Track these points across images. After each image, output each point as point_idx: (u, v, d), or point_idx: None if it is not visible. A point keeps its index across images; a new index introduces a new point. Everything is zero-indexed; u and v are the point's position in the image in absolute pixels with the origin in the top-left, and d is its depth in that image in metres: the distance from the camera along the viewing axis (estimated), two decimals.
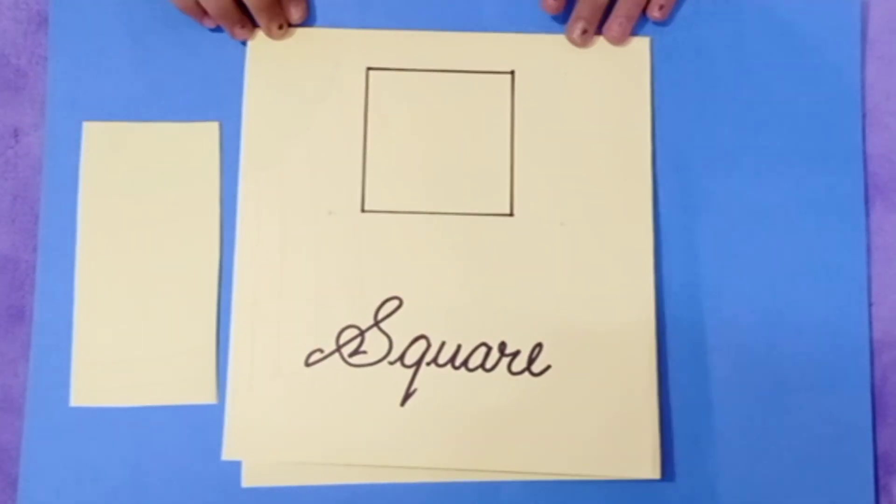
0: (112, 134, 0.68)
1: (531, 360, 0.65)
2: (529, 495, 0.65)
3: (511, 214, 0.67)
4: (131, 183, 0.68)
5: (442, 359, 0.65)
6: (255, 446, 0.65)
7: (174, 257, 0.67)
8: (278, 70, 0.68)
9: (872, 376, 0.66)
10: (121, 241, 0.67)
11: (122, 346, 0.66)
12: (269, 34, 0.68)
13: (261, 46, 0.69)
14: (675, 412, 0.66)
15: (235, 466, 0.65)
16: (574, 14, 0.68)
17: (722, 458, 0.65)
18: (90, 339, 0.66)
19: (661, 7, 0.68)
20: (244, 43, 0.68)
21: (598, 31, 0.69)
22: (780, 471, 0.65)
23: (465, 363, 0.65)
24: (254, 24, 0.68)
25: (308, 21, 0.69)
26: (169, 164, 0.68)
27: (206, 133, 0.68)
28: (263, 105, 0.68)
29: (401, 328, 0.65)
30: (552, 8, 0.68)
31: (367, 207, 0.67)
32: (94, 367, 0.66)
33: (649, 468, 0.64)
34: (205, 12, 0.66)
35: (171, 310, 0.66)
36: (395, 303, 0.66)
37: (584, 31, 0.68)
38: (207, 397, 0.66)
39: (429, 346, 0.65)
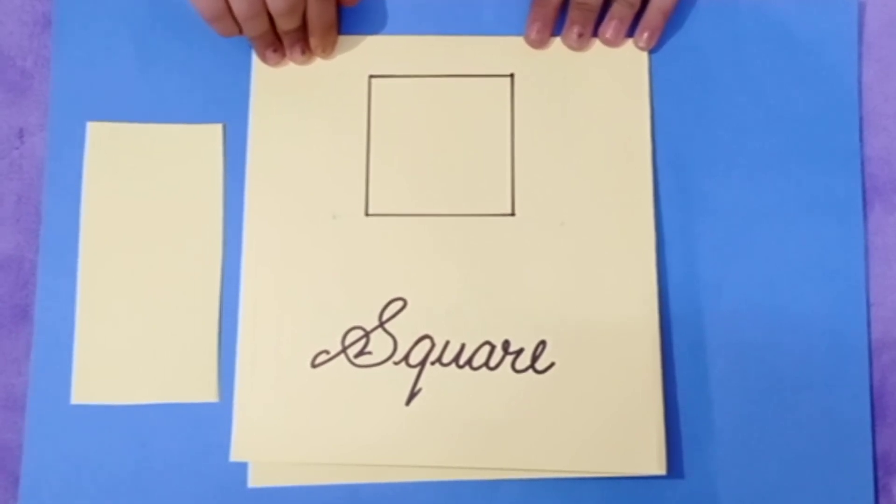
0: (116, 135, 0.68)
1: (535, 358, 0.65)
2: (535, 492, 0.65)
3: (513, 214, 0.67)
4: (134, 183, 0.68)
5: (446, 358, 0.65)
6: (263, 447, 0.65)
7: (176, 258, 0.67)
8: (283, 76, 0.69)
9: (872, 376, 0.67)
10: (123, 240, 0.67)
11: (123, 345, 0.66)
12: (292, 58, 0.69)
13: None
14: (677, 410, 0.66)
15: (240, 466, 0.65)
16: (568, 20, 0.69)
17: (722, 457, 0.66)
18: (92, 338, 0.66)
19: (647, 38, 0.69)
20: (249, 49, 0.69)
21: (596, 34, 0.69)
22: (780, 470, 0.66)
23: (469, 362, 0.65)
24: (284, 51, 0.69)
25: None
26: (172, 165, 0.68)
27: (210, 135, 0.68)
28: (269, 111, 0.69)
29: (405, 328, 0.66)
30: (535, 42, 0.69)
31: (371, 211, 0.67)
32: (95, 366, 0.66)
33: (655, 464, 0.64)
34: (241, 31, 0.66)
35: (173, 309, 0.67)
36: (399, 304, 0.66)
37: (580, 35, 0.68)
38: (209, 396, 0.66)
39: (433, 345, 0.66)
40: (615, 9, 0.68)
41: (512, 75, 0.69)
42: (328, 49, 0.68)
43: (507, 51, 0.69)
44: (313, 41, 0.68)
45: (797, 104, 0.69)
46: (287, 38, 0.67)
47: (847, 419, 0.66)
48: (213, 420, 0.66)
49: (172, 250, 0.67)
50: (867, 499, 0.66)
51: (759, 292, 0.67)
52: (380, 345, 0.66)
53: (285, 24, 0.65)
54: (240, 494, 0.65)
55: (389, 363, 0.66)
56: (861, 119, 0.69)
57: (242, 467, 0.65)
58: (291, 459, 0.65)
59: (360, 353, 0.66)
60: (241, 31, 0.65)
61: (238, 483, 0.65)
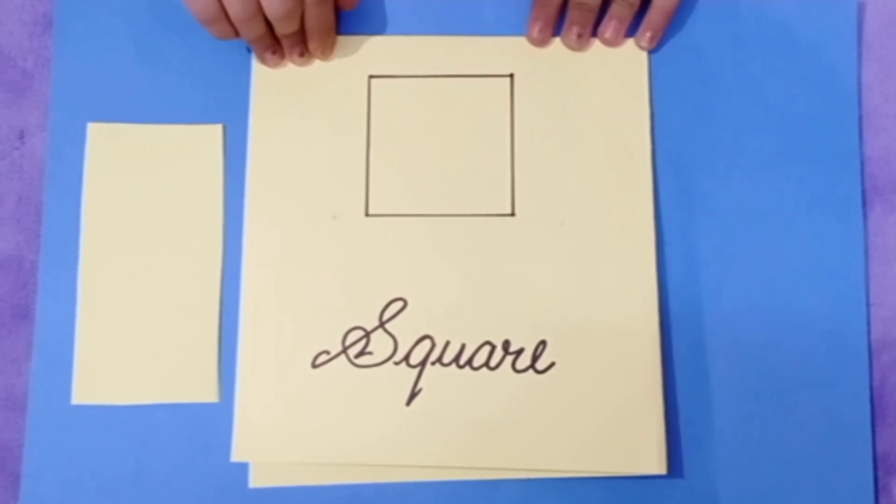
0: (116, 135, 0.68)
1: (535, 358, 0.65)
2: (535, 492, 0.65)
3: (513, 214, 0.67)
4: (135, 184, 0.68)
5: (446, 358, 0.65)
6: (264, 448, 0.65)
7: (176, 258, 0.67)
8: (283, 77, 0.69)
9: (872, 376, 0.67)
10: (124, 241, 0.67)
11: (123, 345, 0.66)
12: (291, 60, 0.69)
13: None
14: (677, 410, 0.66)
15: (241, 466, 0.65)
16: (567, 20, 0.69)
17: (722, 456, 0.66)
18: (92, 338, 0.66)
19: (649, 38, 0.69)
20: (248, 50, 0.69)
21: (595, 34, 0.70)
22: (780, 470, 0.66)
23: (469, 362, 0.65)
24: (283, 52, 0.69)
25: None
26: (172, 165, 0.68)
27: (210, 135, 0.68)
28: (269, 111, 0.69)
29: (406, 329, 0.66)
30: (537, 41, 0.69)
31: (371, 211, 0.67)
32: (95, 366, 0.66)
33: (655, 464, 0.64)
34: (237, 34, 0.66)
35: (173, 309, 0.67)
36: (399, 304, 0.66)
37: (580, 35, 0.68)
38: (209, 396, 0.66)
39: (433, 345, 0.66)
40: (614, 9, 0.68)
41: (511, 75, 0.69)
42: (327, 52, 0.68)
43: (507, 51, 0.69)
44: (312, 44, 0.68)
45: (797, 104, 0.69)
46: (286, 42, 0.67)
47: (847, 419, 0.66)
48: (214, 420, 0.66)
49: (173, 250, 0.67)
50: (867, 499, 0.66)
51: (759, 292, 0.67)
52: (380, 345, 0.66)
53: (283, 28, 0.65)
54: (241, 495, 0.65)
55: (390, 363, 0.66)
56: (861, 119, 0.69)
57: (243, 467, 0.65)
58: (292, 460, 0.65)
59: (361, 354, 0.66)
60: (237, 34, 0.65)
61: (238, 483, 0.65)
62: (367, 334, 0.66)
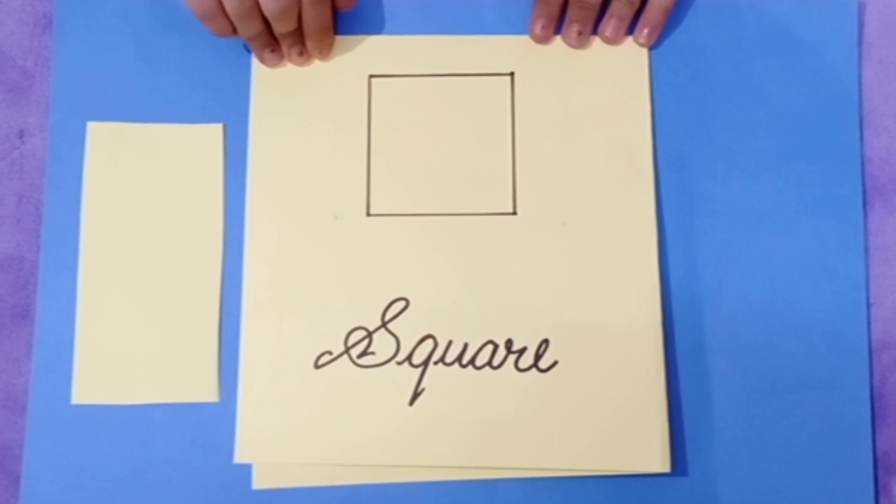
0: (116, 134, 0.68)
1: (538, 357, 0.65)
2: (536, 492, 0.65)
3: (514, 213, 0.67)
4: (135, 183, 0.68)
5: (449, 358, 0.65)
6: (267, 448, 0.65)
7: (177, 257, 0.67)
8: (283, 76, 0.69)
9: (872, 377, 0.67)
10: (124, 240, 0.67)
11: (123, 345, 0.66)
12: (290, 59, 0.69)
13: None
14: (679, 409, 0.66)
15: (243, 466, 0.65)
16: (567, 18, 0.69)
17: (723, 455, 0.66)
18: (92, 338, 0.66)
19: (647, 34, 0.69)
20: (248, 50, 0.68)
21: (595, 32, 0.70)
22: (780, 470, 0.66)
23: (472, 361, 0.65)
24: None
25: None
26: (172, 164, 0.68)
27: (210, 134, 0.68)
28: (269, 111, 0.69)
29: (408, 328, 0.66)
30: (540, 38, 0.69)
31: (372, 211, 0.67)
32: (95, 365, 0.66)
33: (659, 462, 0.64)
34: (236, 31, 0.66)
35: (174, 309, 0.67)
36: (401, 304, 0.66)
37: (580, 33, 0.68)
38: (209, 396, 0.66)
39: (436, 345, 0.66)
40: (615, 7, 0.68)
41: (512, 74, 0.69)
42: (325, 52, 0.68)
43: (507, 50, 0.69)
44: (310, 44, 0.68)
45: (797, 104, 0.69)
46: (284, 41, 0.67)
47: (847, 419, 0.66)
48: (214, 420, 0.66)
49: (173, 250, 0.67)
50: (867, 499, 0.66)
51: (759, 292, 0.67)
52: (382, 345, 0.66)
53: (280, 27, 0.65)
54: (242, 495, 0.65)
55: (392, 363, 0.65)
56: (861, 119, 0.69)
57: (245, 468, 0.65)
58: (296, 461, 0.65)
59: (363, 354, 0.66)
60: (235, 32, 0.65)
61: (240, 484, 0.65)
62: (370, 334, 0.66)
